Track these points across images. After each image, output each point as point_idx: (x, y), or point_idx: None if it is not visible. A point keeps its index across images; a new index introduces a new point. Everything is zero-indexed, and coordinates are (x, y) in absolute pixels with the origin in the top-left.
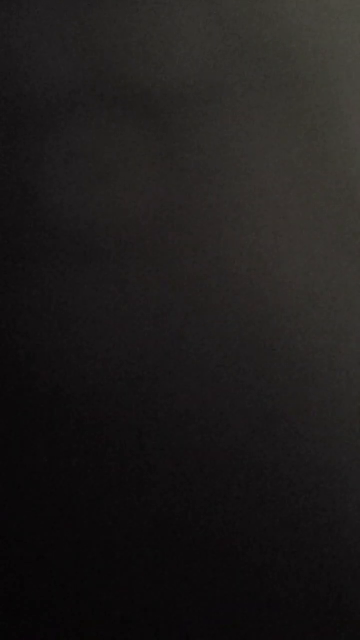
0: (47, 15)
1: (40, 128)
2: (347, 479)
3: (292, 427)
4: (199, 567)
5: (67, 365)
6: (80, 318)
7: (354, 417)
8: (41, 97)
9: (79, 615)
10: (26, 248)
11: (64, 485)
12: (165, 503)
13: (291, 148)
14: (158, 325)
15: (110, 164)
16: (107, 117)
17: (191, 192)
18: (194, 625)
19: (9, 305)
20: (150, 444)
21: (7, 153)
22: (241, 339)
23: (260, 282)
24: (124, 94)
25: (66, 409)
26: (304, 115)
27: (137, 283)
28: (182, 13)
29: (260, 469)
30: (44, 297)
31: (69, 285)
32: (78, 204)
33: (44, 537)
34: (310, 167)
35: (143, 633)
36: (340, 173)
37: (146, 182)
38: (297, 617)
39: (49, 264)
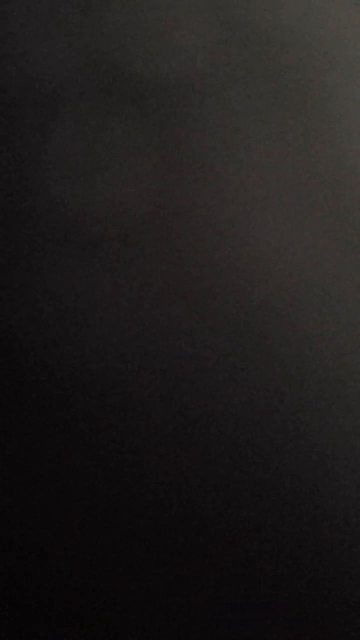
0: (44, 6)
1: (38, 118)
2: (347, 480)
3: (291, 421)
4: (198, 562)
5: (66, 354)
6: (80, 308)
7: (355, 414)
8: (39, 88)
9: (79, 615)
10: (25, 238)
11: (64, 479)
12: (164, 497)
13: (290, 140)
14: (157, 314)
15: (108, 155)
16: (105, 108)
17: (189, 182)
18: (193, 623)
19: (8, 296)
20: (149, 435)
21: (4, 144)
22: (240, 330)
23: (259, 272)
24: (122, 85)
25: (65, 398)
26: (303, 106)
27: (136, 273)
28: (179, 4)
29: (259, 464)
30: (43, 287)
31: (68, 275)
32: (76, 194)
33: (42, 531)
34: (309, 160)
35: (143, 630)
36: (340, 166)
37: (144, 173)
38: (295, 614)
39: (47, 254)
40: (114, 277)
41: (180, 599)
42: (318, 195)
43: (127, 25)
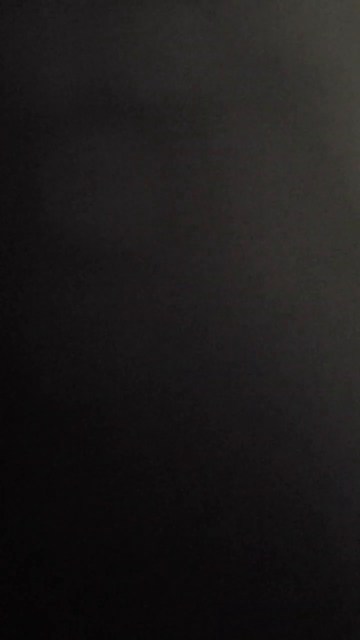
0: (47, 29)
1: (41, 139)
2: (345, 491)
3: (291, 436)
4: (198, 573)
5: (66, 373)
6: (80, 327)
7: (354, 428)
8: (41, 109)
9: (79, 615)
10: (27, 258)
11: (64, 493)
12: (164, 511)
13: (292, 160)
14: (157, 334)
15: (110, 175)
16: (107, 129)
17: (190, 202)
18: (193, 627)
19: (9, 314)
20: (149, 454)
21: (7, 164)
22: (240, 347)
23: (259, 292)
24: (124, 106)
25: (66, 417)
26: (302, 125)
27: (136, 293)
28: (180, 26)
29: (258, 478)
30: (44, 306)
31: (68, 295)
32: (78, 214)
33: (42, 538)
34: (308, 178)
35: (143, 633)
36: (339, 184)
37: (145, 193)
38: (294, 621)
39: (47, 274)
40: (114, 297)
41: (180, 606)
42: (318, 214)
43: (129, 47)
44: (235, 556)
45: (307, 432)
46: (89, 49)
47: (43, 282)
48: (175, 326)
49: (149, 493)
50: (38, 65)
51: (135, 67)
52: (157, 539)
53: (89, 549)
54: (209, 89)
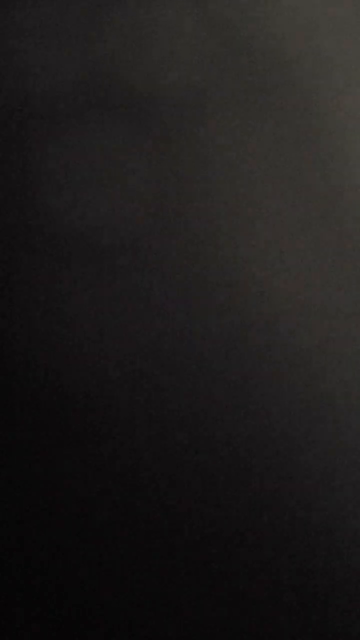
0: (47, 22)
1: (39, 131)
2: (346, 488)
3: (291, 427)
4: (197, 569)
5: (66, 365)
6: (79, 319)
7: (353, 419)
8: (40, 102)
9: (78, 615)
10: (24, 251)
11: (63, 485)
12: (163, 504)
13: (288, 153)
14: (156, 325)
15: (108, 167)
16: (104, 120)
17: (188, 195)
18: (193, 625)
19: (8, 307)
20: (148, 445)
21: (6, 156)
22: (239, 339)
23: (258, 282)
24: (121, 99)
25: (65, 409)
26: (298, 119)
27: (135, 284)
28: (175, 17)
29: (258, 471)
30: (42, 298)
31: (67, 287)
32: (76, 206)
33: (41, 535)
34: (305, 171)
35: (143, 631)
36: (335, 177)
37: (143, 186)
38: (293, 620)
39: (46, 266)
40: (113, 288)
41: (180, 604)
42: (314, 206)
43: (127, 41)
44: (234, 546)
45: (307, 423)
46: (84, 40)
47: (39, 272)
48: (172, 316)
49: (148, 484)
50: (35, 60)
51: (133, 61)
52: (158, 527)
53: (88, 539)
54: (206, 82)
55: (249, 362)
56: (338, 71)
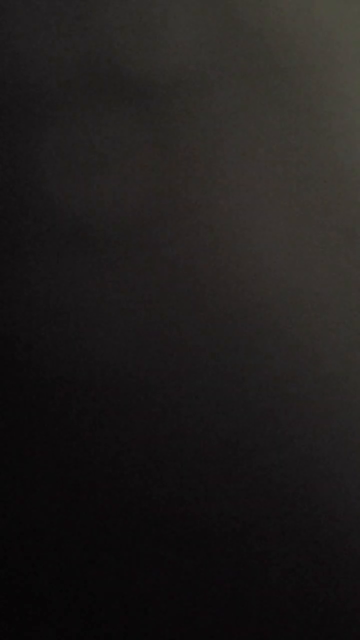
0: (40, 7)
1: (37, 116)
2: (346, 482)
3: (287, 420)
4: (197, 565)
5: (64, 355)
6: (78, 308)
7: (351, 412)
8: (37, 86)
9: (79, 615)
10: (23, 239)
11: (64, 478)
12: (163, 498)
13: (288, 138)
14: (155, 314)
15: (106, 152)
16: (103, 106)
17: (187, 182)
18: (193, 623)
19: (7, 294)
20: (147, 434)
21: (3, 142)
22: (239, 326)
23: (258, 272)
24: (118, 84)
25: (64, 397)
26: (300, 104)
27: (134, 271)
28: (175, 4)
29: (257, 459)
30: (41, 287)
31: (66, 276)
32: (74, 192)
33: (42, 528)
34: (306, 157)
35: (142, 628)
36: (337, 163)
37: (142, 170)
38: (293, 617)
39: (45, 254)
40: (112, 276)
41: (179, 600)
42: (316, 194)
43: (122, 25)
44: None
45: (307, 408)
46: (82, 24)
47: (40, 262)
48: (173, 306)
49: (149, 472)
50: (31, 46)
51: (129, 46)
52: (157, 515)
53: (82, 545)
54: (204, 67)
55: (248, 350)
56: (339, 52)
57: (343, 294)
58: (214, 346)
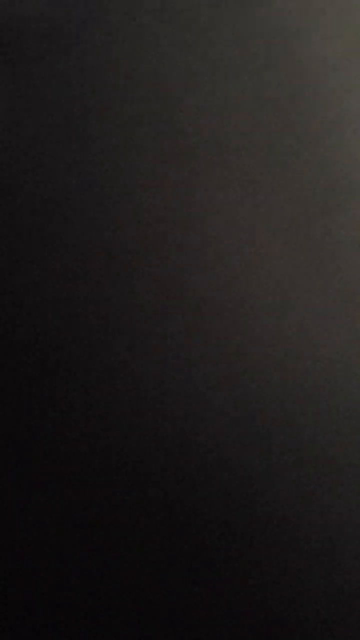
0: None
1: None
2: (346, 475)
3: (283, 433)
4: (196, 564)
5: (64, 362)
6: (78, 319)
7: (347, 430)
8: None
9: (79, 615)
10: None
11: (62, 475)
12: (161, 502)
13: (286, 141)
14: (154, 332)
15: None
16: None
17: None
18: (194, 622)
19: (8, 302)
20: (150, 441)
21: None
22: (241, 329)
23: (254, 284)
24: None
25: (67, 412)
26: (295, 94)
27: (134, 288)
28: None
29: (256, 457)
30: (42, 293)
31: (65, 292)
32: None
33: (42, 525)
34: (302, 150)
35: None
36: (334, 154)
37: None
38: (294, 616)
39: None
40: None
41: (180, 596)
42: (304, 192)
43: None
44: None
45: (303, 422)
46: None
47: (38, 270)
48: (174, 303)
49: (150, 471)
50: None
51: None
52: (157, 514)
53: (88, 528)
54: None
55: (253, 352)
56: (337, 46)
57: (342, 301)
58: (216, 349)
